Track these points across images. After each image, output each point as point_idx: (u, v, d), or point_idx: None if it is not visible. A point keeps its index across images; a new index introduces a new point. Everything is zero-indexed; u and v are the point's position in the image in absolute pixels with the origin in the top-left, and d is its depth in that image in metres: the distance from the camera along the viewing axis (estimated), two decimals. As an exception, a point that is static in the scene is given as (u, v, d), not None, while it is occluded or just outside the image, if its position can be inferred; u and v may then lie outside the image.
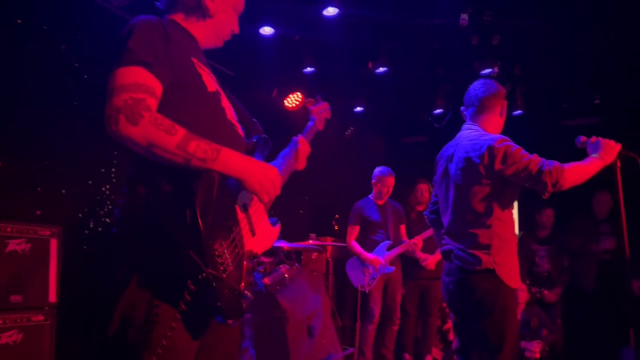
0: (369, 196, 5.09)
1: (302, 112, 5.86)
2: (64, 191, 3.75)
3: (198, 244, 1.30)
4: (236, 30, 1.77)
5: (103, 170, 4.11)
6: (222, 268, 1.35)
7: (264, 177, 1.47)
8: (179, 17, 1.67)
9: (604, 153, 2.35)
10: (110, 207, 4.13)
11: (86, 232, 3.95)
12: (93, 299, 3.84)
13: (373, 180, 5.04)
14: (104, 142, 4.09)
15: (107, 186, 4.12)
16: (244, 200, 1.55)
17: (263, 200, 1.52)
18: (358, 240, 4.98)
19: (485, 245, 2.43)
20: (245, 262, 1.47)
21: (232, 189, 1.49)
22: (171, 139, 1.34)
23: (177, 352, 1.38)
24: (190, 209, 1.31)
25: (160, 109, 1.41)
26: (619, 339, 4.88)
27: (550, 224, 5.58)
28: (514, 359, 2.40)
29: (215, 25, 1.70)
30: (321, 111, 2.23)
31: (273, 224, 1.72)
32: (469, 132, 2.61)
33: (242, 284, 1.43)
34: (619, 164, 2.31)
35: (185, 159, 1.36)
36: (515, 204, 7.05)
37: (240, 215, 1.52)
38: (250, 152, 1.65)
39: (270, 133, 1.82)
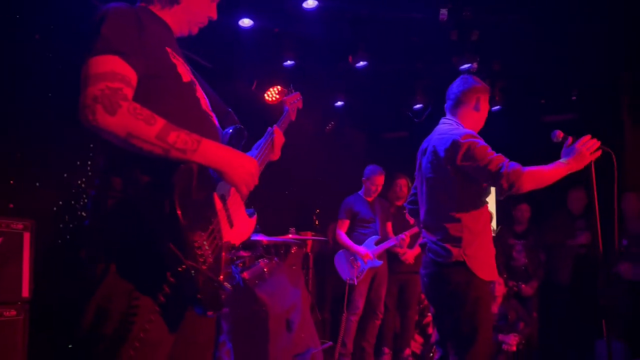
0: (359, 192, 5.19)
1: (281, 106, 5.82)
2: (37, 184, 3.67)
3: (177, 236, 1.29)
4: (213, 16, 1.73)
5: (78, 163, 4.03)
6: (202, 260, 1.33)
7: (242, 168, 1.46)
8: (151, 4, 1.63)
9: (574, 161, 2.35)
10: (86, 200, 4.06)
11: (61, 225, 3.88)
12: (67, 294, 3.78)
13: (363, 178, 5.13)
14: (80, 134, 4.03)
15: (83, 179, 4.05)
16: (222, 191, 1.54)
17: (242, 192, 1.51)
18: (347, 234, 5.04)
19: (455, 238, 2.46)
20: (223, 254, 1.46)
21: (211, 180, 1.49)
22: (150, 129, 1.32)
23: (154, 345, 1.37)
24: (169, 200, 1.29)
25: (135, 100, 1.37)
26: (593, 331, 4.99)
27: (525, 218, 5.66)
28: (488, 350, 2.43)
29: (185, 11, 1.66)
30: (294, 101, 2.24)
31: (250, 215, 1.71)
32: (442, 126, 2.64)
33: (221, 276, 1.42)
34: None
35: (164, 149, 1.34)
36: (493, 199, 7.17)
37: (219, 206, 1.51)
38: (225, 142, 1.64)
39: (250, 126, 1.79)
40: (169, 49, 1.54)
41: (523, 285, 5.38)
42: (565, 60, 5.40)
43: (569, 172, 2.35)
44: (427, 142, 2.70)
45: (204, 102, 1.62)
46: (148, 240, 1.33)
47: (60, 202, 3.87)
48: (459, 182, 2.47)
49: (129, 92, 1.36)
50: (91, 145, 4.13)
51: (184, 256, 1.28)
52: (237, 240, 1.58)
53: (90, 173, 4.09)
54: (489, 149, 2.39)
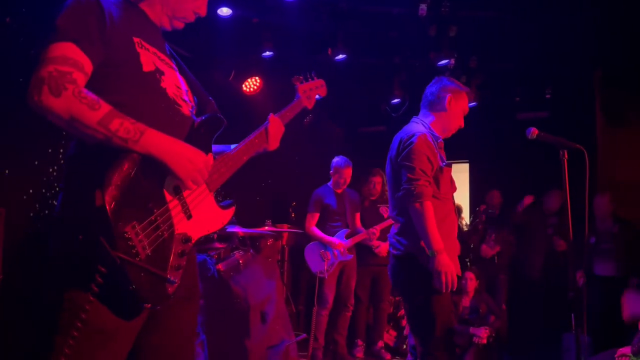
0: (328, 184, 5.11)
1: (260, 97, 5.79)
2: (7, 171, 3.58)
3: (106, 227, 1.29)
4: (201, 12, 1.70)
5: (50, 150, 3.94)
6: (134, 251, 1.33)
7: (187, 160, 1.45)
8: None
9: (441, 259, 2.37)
10: (57, 189, 3.98)
11: (31, 214, 3.79)
12: (36, 282, 3.71)
13: (331, 171, 5.05)
14: (51, 122, 3.94)
15: (55, 167, 3.96)
16: (175, 182, 1.50)
17: (187, 185, 1.49)
18: (317, 227, 4.99)
19: (407, 231, 2.51)
20: (173, 246, 1.44)
21: (160, 171, 1.46)
22: (93, 114, 1.33)
23: (104, 333, 1.38)
24: (100, 190, 1.30)
25: (91, 88, 1.38)
26: (560, 325, 5.11)
27: (496, 204, 5.77)
28: (447, 339, 2.46)
29: (163, 4, 1.64)
30: (311, 88, 2.18)
31: (225, 207, 1.67)
32: (408, 125, 2.71)
33: (168, 268, 1.40)
34: (566, 155, 2.38)
35: (106, 136, 1.34)
36: (467, 191, 7.25)
37: (169, 197, 1.48)
38: (196, 129, 1.62)
39: (226, 117, 1.77)
40: (136, 39, 1.53)
41: (484, 246, 5.55)
42: (539, 58, 5.49)
43: (434, 256, 2.36)
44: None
45: (172, 91, 1.59)
46: (81, 231, 1.34)
47: (31, 191, 3.78)
48: None
49: (80, 77, 1.37)
50: (63, 133, 4.04)
51: (112, 247, 1.28)
52: (197, 233, 1.55)
53: (62, 161, 4.01)
54: (424, 163, 2.47)
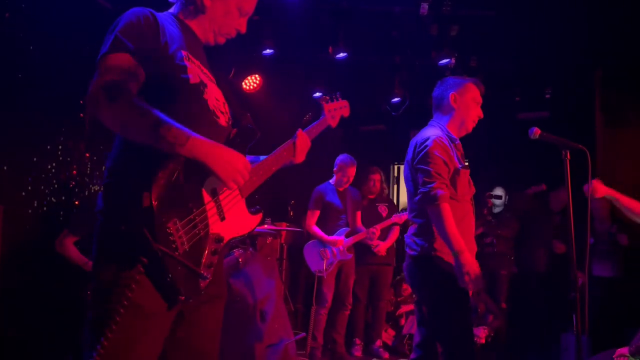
0: (330, 181, 5.06)
1: (260, 95, 5.78)
2: (5, 168, 3.57)
3: (150, 221, 1.40)
4: (242, 29, 1.84)
5: (49, 147, 3.93)
6: (174, 246, 1.43)
7: (228, 163, 1.54)
8: (180, 13, 1.77)
9: (465, 259, 2.36)
10: (56, 185, 3.96)
11: (30, 211, 3.78)
12: (36, 278, 3.69)
13: (335, 168, 5.01)
14: (50, 118, 3.93)
15: (53, 164, 3.95)
16: (213, 185, 1.62)
17: (228, 186, 1.58)
18: (317, 225, 4.96)
19: (425, 232, 2.53)
20: (207, 244, 1.55)
21: (201, 174, 1.57)
22: (145, 120, 1.43)
23: (145, 312, 1.45)
24: (147, 188, 1.41)
25: (143, 96, 1.49)
26: (559, 325, 5.12)
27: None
28: (465, 341, 2.46)
29: (211, 21, 1.77)
30: (336, 108, 2.36)
31: (253, 212, 1.79)
32: (424, 129, 2.72)
33: (201, 265, 1.50)
34: (568, 155, 2.37)
35: (156, 140, 1.44)
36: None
37: (207, 198, 1.59)
38: (232, 139, 1.75)
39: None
40: (184, 52, 1.64)
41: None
42: (540, 58, 5.49)
43: (457, 257, 2.35)
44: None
45: (212, 103, 1.70)
46: (128, 223, 1.44)
47: (29, 187, 3.77)
48: None
49: (134, 86, 1.49)
50: (62, 129, 4.03)
51: (154, 239, 1.39)
52: (229, 234, 1.66)
53: (60, 158, 4.00)
54: (441, 166, 2.49)
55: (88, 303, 1.49)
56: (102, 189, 1.56)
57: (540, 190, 5.66)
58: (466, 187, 2.62)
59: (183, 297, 1.45)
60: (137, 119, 1.44)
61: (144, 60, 1.53)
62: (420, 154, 2.53)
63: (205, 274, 1.51)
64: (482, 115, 2.74)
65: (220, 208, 1.64)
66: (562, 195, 5.52)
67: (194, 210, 1.53)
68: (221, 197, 1.65)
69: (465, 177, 2.61)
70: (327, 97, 2.35)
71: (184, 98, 1.60)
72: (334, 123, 2.35)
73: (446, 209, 2.40)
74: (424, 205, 2.46)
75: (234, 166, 1.55)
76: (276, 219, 5.31)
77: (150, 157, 1.46)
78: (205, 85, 1.68)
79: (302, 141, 2.04)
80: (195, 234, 1.51)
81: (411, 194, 2.65)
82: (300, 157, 2.04)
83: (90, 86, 1.45)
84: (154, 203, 1.40)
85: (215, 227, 1.60)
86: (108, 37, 1.53)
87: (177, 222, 1.46)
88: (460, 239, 2.38)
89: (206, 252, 1.53)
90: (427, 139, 2.55)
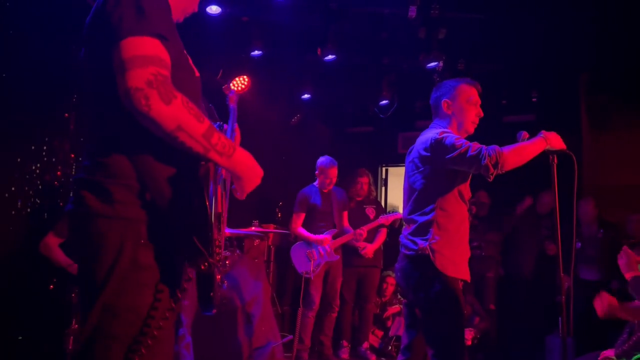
0: (314, 183, 5.07)
1: (248, 97, 5.75)
2: (-12, 168, 3.51)
3: (203, 232, 1.28)
4: (195, 8, 1.66)
5: (33, 147, 3.87)
6: (219, 258, 1.34)
7: (257, 179, 1.50)
8: None
9: (551, 135, 2.43)
10: (40, 187, 3.91)
11: (13, 212, 3.72)
12: (20, 280, 3.64)
13: (316, 171, 5.02)
14: (35, 118, 3.87)
15: (38, 165, 3.89)
16: (222, 189, 1.55)
17: (241, 197, 1.54)
18: (304, 227, 4.95)
19: (424, 232, 2.51)
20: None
21: (219, 178, 1.48)
22: (200, 126, 1.30)
23: (162, 343, 1.33)
24: (198, 194, 1.30)
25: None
26: (544, 327, 5.16)
27: (485, 204, 5.79)
28: (458, 342, 2.46)
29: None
30: (236, 98, 2.18)
31: None
32: (427, 130, 2.69)
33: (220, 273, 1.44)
34: (555, 160, 2.39)
35: (205, 149, 1.32)
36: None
37: (220, 203, 1.50)
38: None
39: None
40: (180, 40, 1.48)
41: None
42: (526, 62, 5.53)
43: (547, 148, 2.40)
44: (413, 145, 2.75)
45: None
46: (170, 234, 1.31)
47: (13, 188, 3.71)
48: (436, 179, 2.52)
49: None
50: (46, 130, 3.97)
51: (208, 253, 1.28)
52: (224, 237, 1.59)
53: (45, 158, 3.94)
54: (462, 139, 2.46)
55: (89, 332, 1.29)
56: (114, 190, 1.31)
57: (527, 206, 5.71)
58: (468, 190, 2.62)
59: (215, 310, 1.37)
60: (192, 124, 1.28)
61: (170, 48, 1.32)
62: (434, 145, 2.46)
63: (225, 282, 1.45)
64: (481, 114, 2.71)
65: (223, 212, 1.56)
66: (546, 198, 5.57)
67: (222, 216, 1.44)
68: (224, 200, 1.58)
69: (468, 180, 2.61)
70: (228, 87, 2.20)
71: (192, 94, 1.42)
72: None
73: (500, 150, 2.35)
74: (484, 170, 2.34)
75: (258, 181, 1.51)
76: (263, 221, 5.29)
77: (180, 158, 1.34)
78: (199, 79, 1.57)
79: (239, 136, 1.86)
80: (221, 242, 1.44)
81: (410, 193, 2.63)
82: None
83: (129, 77, 1.22)
84: (209, 210, 1.28)
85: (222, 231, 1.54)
86: (128, 10, 1.27)
87: (218, 232, 1.36)
88: (528, 142, 2.41)
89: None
90: (439, 131, 2.52)
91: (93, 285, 1.28)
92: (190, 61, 1.50)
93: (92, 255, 1.29)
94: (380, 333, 5.61)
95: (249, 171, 1.45)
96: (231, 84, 2.21)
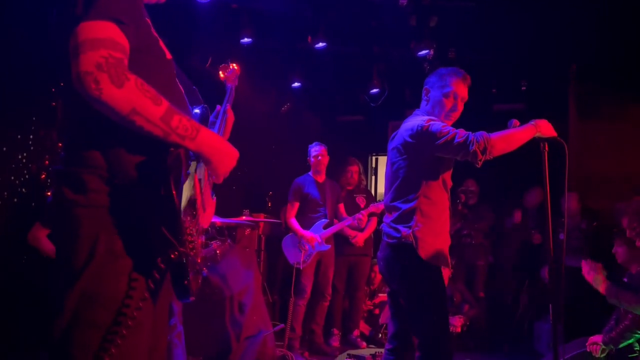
0: (309, 173, 5.07)
1: (238, 84, 5.70)
2: (-27, 158, 3.46)
3: (172, 221, 1.27)
4: None
5: (19, 137, 3.82)
6: (191, 246, 1.32)
7: (230, 160, 1.44)
8: None
9: (541, 122, 2.42)
10: (27, 176, 3.86)
11: (0, 202, 3.67)
12: (7, 271, 3.60)
13: (308, 157, 5.03)
14: (20, 106, 3.81)
15: (24, 154, 3.84)
16: (200, 175, 1.51)
17: (218, 181, 1.50)
18: (296, 217, 4.96)
19: (407, 219, 2.50)
20: (200, 237, 1.47)
21: (190, 164, 1.45)
22: (157, 109, 1.25)
23: (138, 334, 1.33)
24: (164, 183, 1.27)
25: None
26: (532, 314, 5.22)
27: (473, 192, 5.82)
28: (444, 331, 2.47)
29: None
30: (234, 77, 2.23)
31: (213, 196, 1.69)
32: (411, 117, 2.68)
33: (199, 260, 1.41)
34: (547, 147, 2.40)
35: (165, 132, 1.28)
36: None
37: (197, 190, 1.48)
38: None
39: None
40: (149, 21, 1.43)
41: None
42: (516, 51, 5.54)
43: (537, 135, 2.39)
44: (396, 132, 2.72)
45: (178, 81, 1.55)
46: (140, 224, 1.29)
47: (-1, 178, 3.66)
48: (420, 167, 2.52)
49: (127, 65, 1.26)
50: (33, 119, 3.91)
51: (178, 242, 1.26)
52: (206, 224, 1.58)
53: (32, 148, 3.89)
54: (449, 126, 2.46)
55: (67, 319, 1.29)
56: (88, 180, 1.31)
57: (517, 221, 5.75)
58: (450, 179, 2.62)
59: (193, 298, 1.35)
60: (148, 107, 1.24)
61: (128, 31, 1.28)
62: (434, 129, 2.43)
63: (204, 270, 1.44)
64: (461, 109, 2.69)
65: (202, 198, 1.53)
66: (533, 198, 5.65)
67: (196, 204, 1.42)
68: (204, 186, 1.55)
69: (451, 169, 2.61)
70: (226, 66, 2.21)
71: (163, 78, 1.43)
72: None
73: (489, 136, 2.35)
74: (485, 145, 2.34)
75: (233, 163, 1.45)
76: (254, 211, 5.28)
77: (149, 146, 1.31)
78: (173, 61, 1.53)
79: (232, 118, 1.87)
80: (197, 230, 1.42)
81: (393, 180, 2.61)
82: (228, 134, 1.85)
83: (80, 61, 1.19)
84: (176, 198, 1.26)
85: (202, 219, 1.51)
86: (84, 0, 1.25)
87: (190, 220, 1.35)
88: (519, 128, 2.40)
89: (199, 246, 1.43)
90: (425, 119, 2.51)
91: (70, 270, 1.29)
92: (162, 44, 1.46)
93: (70, 242, 1.30)
94: (368, 320, 5.64)
95: (218, 153, 1.39)
96: (230, 64, 2.18)
